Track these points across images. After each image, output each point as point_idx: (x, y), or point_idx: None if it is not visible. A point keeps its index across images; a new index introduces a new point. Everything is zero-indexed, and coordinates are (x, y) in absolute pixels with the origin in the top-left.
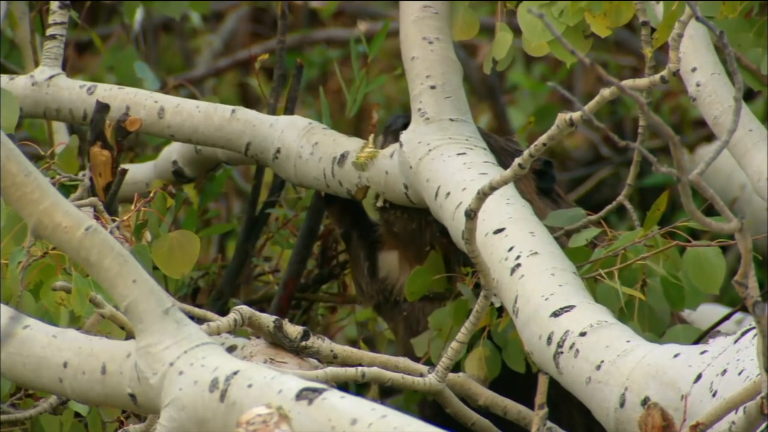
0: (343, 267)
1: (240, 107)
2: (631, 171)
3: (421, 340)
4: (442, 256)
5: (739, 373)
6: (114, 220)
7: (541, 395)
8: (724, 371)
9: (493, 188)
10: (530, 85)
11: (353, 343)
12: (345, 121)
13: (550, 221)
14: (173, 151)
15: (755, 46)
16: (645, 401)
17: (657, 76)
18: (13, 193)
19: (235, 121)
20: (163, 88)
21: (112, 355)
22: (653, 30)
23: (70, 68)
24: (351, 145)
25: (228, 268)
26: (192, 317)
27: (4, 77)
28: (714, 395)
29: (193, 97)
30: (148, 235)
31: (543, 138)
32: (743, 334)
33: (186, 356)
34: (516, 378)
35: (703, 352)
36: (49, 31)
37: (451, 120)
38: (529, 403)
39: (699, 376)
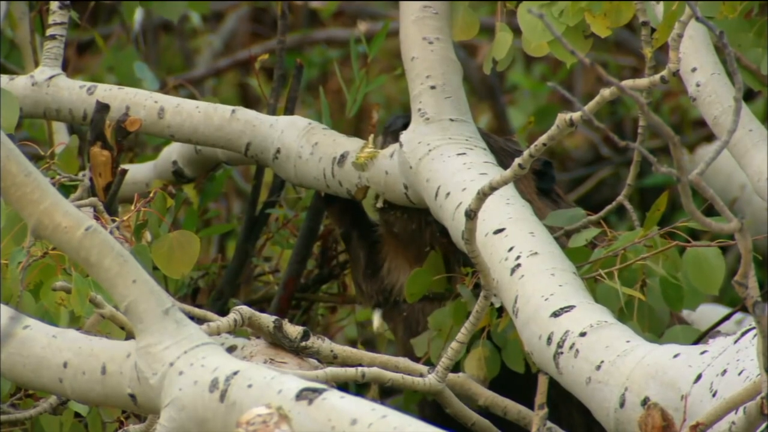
0: (343, 267)
1: (240, 107)
2: (631, 171)
3: (420, 340)
4: (442, 257)
5: (739, 373)
6: (114, 220)
7: (541, 395)
8: (724, 371)
9: (493, 188)
10: (530, 85)
11: (353, 343)
12: (345, 121)
13: (550, 221)
14: (173, 151)
15: (755, 46)
16: (645, 401)
17: (657, 76)
18: (13, 193)
19: (235, 122)
20: (163, 88)
21: (112, 355)
22: (653, 30)
23: (71, 69)
24: (351, 145)
25: (228, 268)
26: (192, 317)
27: (4, 77)
28: (714, 395)
29: (192, 97)
30: (148, 235)
31: (543, 138)
32: (743, 334)
33: (186, 356)
34: (516, 378)
35: (703, 353)
36: (49, 31)
37: (451, 120)
38: (529, 403)
39: (699, 376)
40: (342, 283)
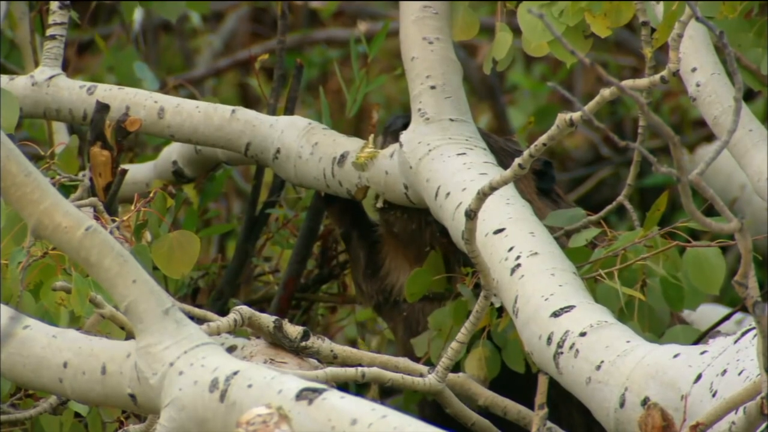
0: (343, 267)
1: (240, 107)
2: (631, 171)
3: (421, 340)
4: (442, 256)
5: (739, 373)
6: (114, 221)
7: (541, 395)
8: (724, 371)
9: (493, 188)
10: (530, 85)
11: (353, 343)
12: (345, 121)
13: (550, 221)
14: (173, 151)
15: (755, 46)
16: (645, 401)
17: (657, 76)
18: (13, 193)
19: (235, 122)
20: (163, 88)
21: (112, 355)
22: (653, 30)
23: (71, 69)
24: (351, 145)
25: (228, 268)
26: (192, 317)
27: (4, 77)
28: (714, 395)
29: (192, 97)
30: (148, 235)
31: (543, 138)
32: (743, 334)
33: (186, 356)
34: (516, 378)
35: (703, 353)
36: (49, 32)
37: (451, 120)
38: (529, 403)
39: (699, 376)
40: (342, 283)
